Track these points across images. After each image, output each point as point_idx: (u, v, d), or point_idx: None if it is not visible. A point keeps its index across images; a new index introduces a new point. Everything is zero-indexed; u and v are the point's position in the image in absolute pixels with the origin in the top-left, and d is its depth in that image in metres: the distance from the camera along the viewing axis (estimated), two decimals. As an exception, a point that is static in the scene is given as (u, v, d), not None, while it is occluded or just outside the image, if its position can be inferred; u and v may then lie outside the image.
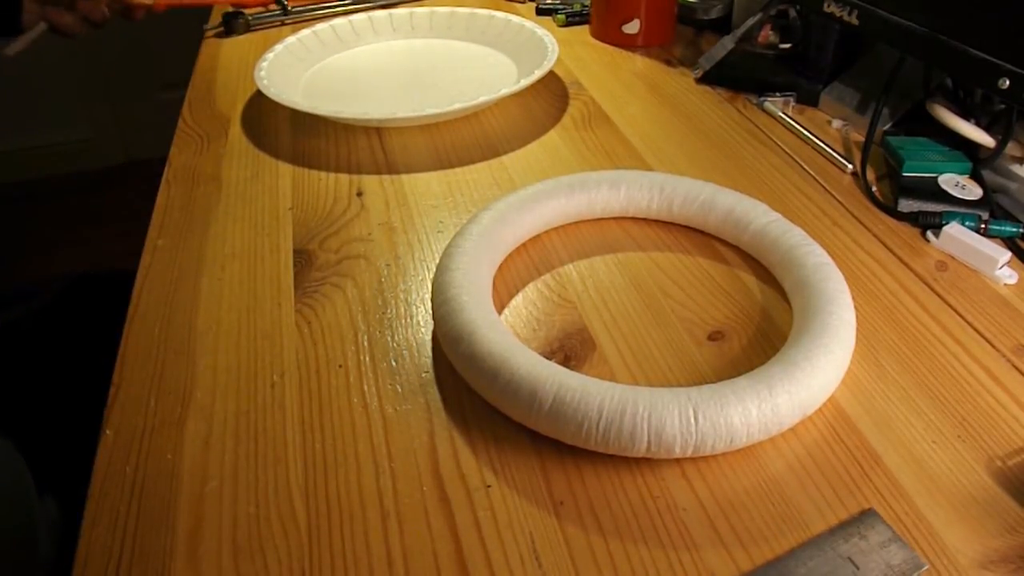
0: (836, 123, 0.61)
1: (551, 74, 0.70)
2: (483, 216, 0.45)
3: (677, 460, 0.34)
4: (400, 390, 0.39)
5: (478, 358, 0.36)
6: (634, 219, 0.50)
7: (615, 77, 0.72)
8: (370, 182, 0.56)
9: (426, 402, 0.38)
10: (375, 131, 0.62)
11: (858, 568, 0.30)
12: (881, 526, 0.31)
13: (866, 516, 0.32)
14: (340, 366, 0.40)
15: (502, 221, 0.45)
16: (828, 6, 0.58)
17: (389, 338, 0.42)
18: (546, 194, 0.48)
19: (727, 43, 0.68)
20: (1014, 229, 0.47)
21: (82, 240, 1.84)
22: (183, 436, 0.36)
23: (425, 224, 0.51)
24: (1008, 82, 0.46)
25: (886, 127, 0.58)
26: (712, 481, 0.34)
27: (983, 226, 0.47)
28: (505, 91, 0.61)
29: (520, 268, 0.47)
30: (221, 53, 0.80)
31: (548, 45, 0.69)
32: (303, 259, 0.48)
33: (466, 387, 0.38)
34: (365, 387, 0.39)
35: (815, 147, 0.58)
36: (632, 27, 0.76)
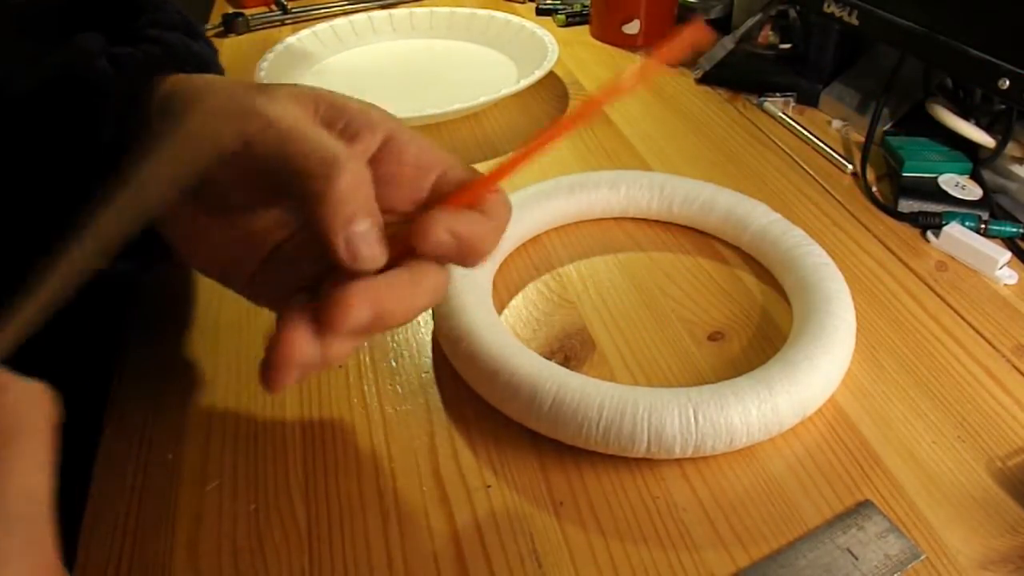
0: (836, 123, 0.61)
1: (551, 74, 0.70)
2: (483, 216, 0.45)
3: (677, 460, 0.34)
4: (400, 390, 0.39)
5: (478, 358, 0.36)
6: (634, 219, 0.50)
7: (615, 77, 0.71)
8: (370, 182, 0.56)
9: (426, 402, 0.38)
10: (375, 131, 0.62)
11: (857, 559, 0.30)
12: (878, 517, 0.31)
13: (863, 507, 0.32)
14: (340, 366, 0.40)
15: (502, 221, 0.45)
16: (828, 6, 0.58)
17: (389, 338, 0.42)
18: (546, 194, 0.48)
19: (727, 43, 0.68)
20: (1014, 229, 0.47)
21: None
22: (184, 436, 0.36)
23: (425, 224, 0.51)
24: (1008, 82, 0.46)
25: (886, 127, 0.58)
26: (712, 481, 0.34)
27: (983, 226, 0.47)
28: (505, 91, 0.61)
29: (520, 268, 0.47)
30: (221, 53, 0.80)
31: (548, 45, 0.69)
32: (303, 259, 0.48)
33: (466, 387, 0.38)
34: (365, 387, 0.39)
35: (815, 147, 0.58)
36: (632, 27, 0.76)
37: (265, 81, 0.64)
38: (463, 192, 0.27)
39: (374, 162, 0.28)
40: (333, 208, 0.25)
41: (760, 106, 0.64)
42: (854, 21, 0.56)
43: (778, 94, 0.65)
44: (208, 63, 0.36)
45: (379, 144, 0.28)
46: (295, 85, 0.29)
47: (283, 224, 0.31)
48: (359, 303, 0.25)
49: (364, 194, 0.25)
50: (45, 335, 0.24)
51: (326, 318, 0.25)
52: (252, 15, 0.85)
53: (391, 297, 0.26)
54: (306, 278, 0.28)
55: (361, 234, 0.25)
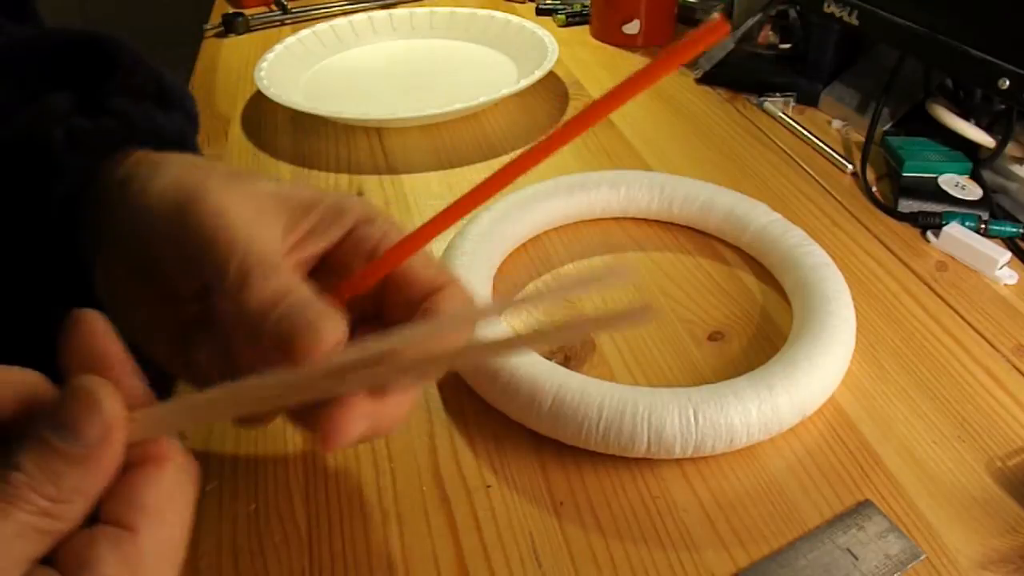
0: (836, 123, 0.61)
1: (551, 74, 0.70)
2: (483, 216, 0.45)
3: (677, 460, 0.34)
4: (400, 390, 0.39)
5: (478, 358, 0.36)
6: (634, 219, 0.50)
7: (615, 77, 0.72)
8: (370, 182, 0.56)
9: (426, 402, 0.38)
10: (375, 131, 0.62)
11: (857, 559, 0.30)
12: (878, 517, 0.31)
13: (863, 507, 0.32)
14: (340, 366, 0.40)
15: (502, 221, 0.45)
16: (828, 6, 0.58)
17: (389, 338, 0.42)
18: (546, 194, 0.48)
19: (727, 43, 0.68)
20: (1014, 229, 0.47)
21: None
22: (184, 436, 0.36)
23: (425, 224, 0.51)
24: (1008, 82, 0.46)
25: (886, 127, 0.58)
26: (712, 481, 0.34)
27: (983, 226, 0.47)
28: (505, 91, 0.61)
29: (520, 268, 0.47)
30: (221, 53, 0.80)
31: (548, 45, 0.69)
32: (303, 259, 0.48)
33: (466, 387, 0.38)
34: (365, 387, 0.39)
35: (815, 147, 0.58)
36: (632, 27, 0.76)
37: (264, 81, 0.64)
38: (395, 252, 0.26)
39: (341, 243, 0.28)
40: (232, 324, 0.24)
41: (760, 106, 0.64)
42: (854, 21, 0.56)
43: (778, 94, 0.65)
44: (176, 135, 0.34)
45: (349, 228, 0.27)
46: (260, 180, 0.28)
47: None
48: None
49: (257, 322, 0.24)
50: (45, 335, 0.23)
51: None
52: (252, 15, 0.85)
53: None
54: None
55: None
